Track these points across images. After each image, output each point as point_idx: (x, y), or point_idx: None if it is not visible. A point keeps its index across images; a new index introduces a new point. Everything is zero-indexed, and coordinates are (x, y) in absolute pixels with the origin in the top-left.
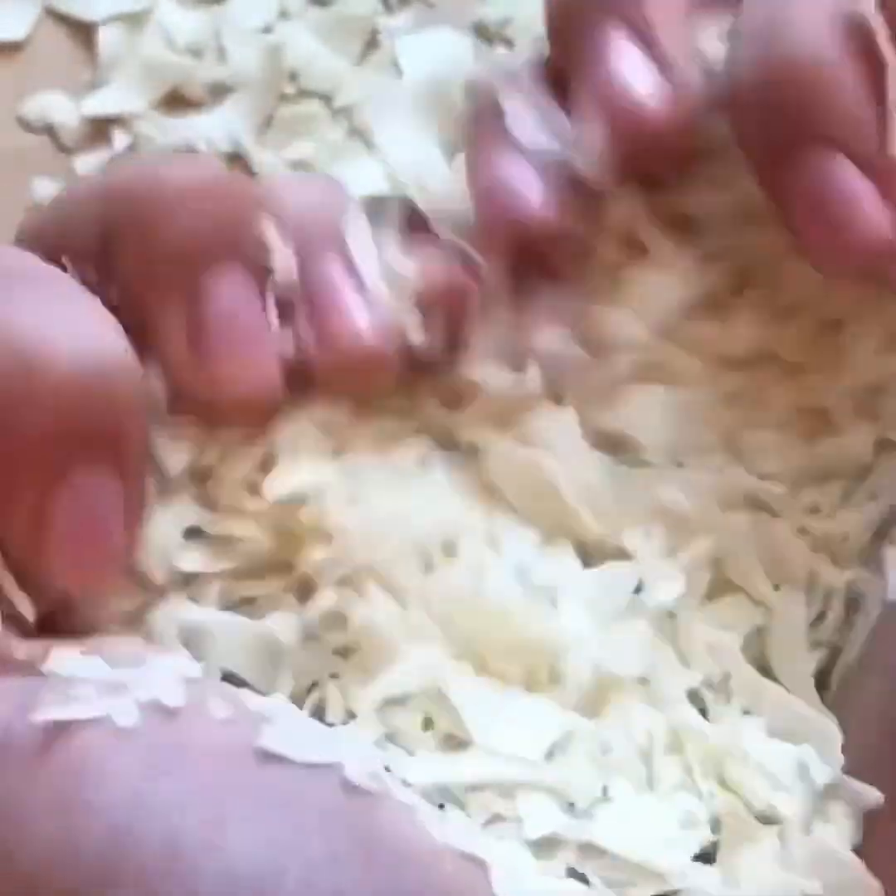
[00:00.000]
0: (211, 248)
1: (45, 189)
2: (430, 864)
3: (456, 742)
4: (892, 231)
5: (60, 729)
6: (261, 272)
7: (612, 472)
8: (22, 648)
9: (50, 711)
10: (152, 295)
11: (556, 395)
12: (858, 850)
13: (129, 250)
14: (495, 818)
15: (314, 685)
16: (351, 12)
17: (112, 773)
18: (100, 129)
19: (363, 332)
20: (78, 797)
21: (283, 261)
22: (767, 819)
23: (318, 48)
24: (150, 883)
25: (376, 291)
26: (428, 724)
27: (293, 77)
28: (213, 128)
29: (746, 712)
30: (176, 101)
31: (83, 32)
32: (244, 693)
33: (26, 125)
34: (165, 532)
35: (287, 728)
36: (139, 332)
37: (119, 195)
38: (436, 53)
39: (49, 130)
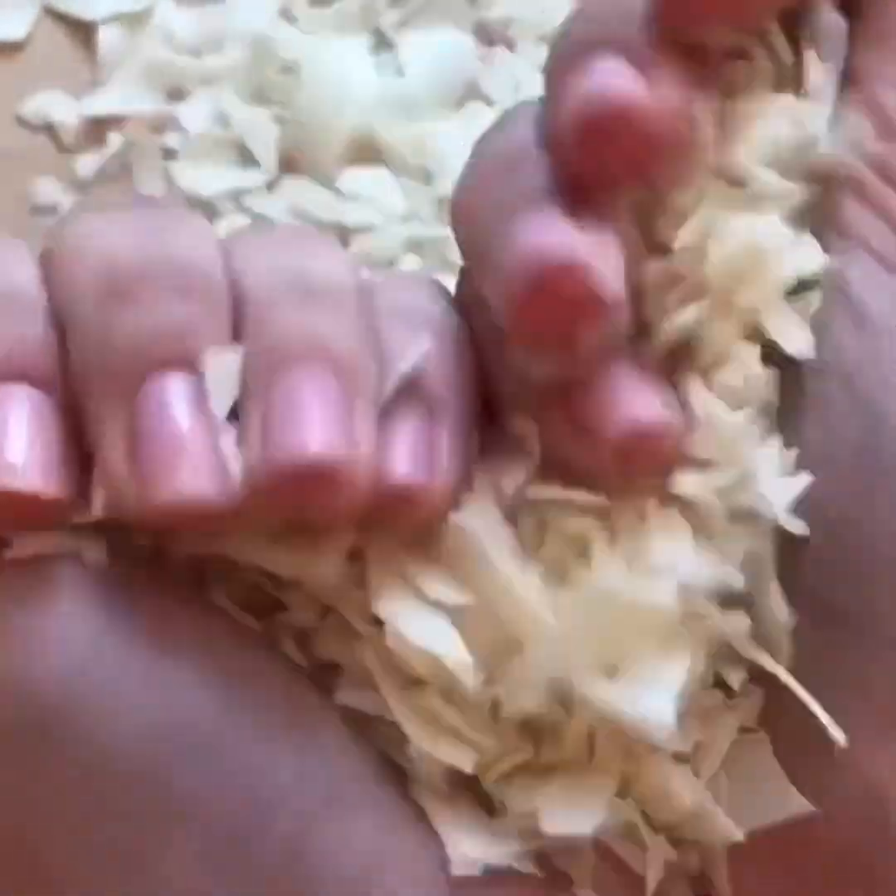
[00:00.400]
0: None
1: (45, 189)
2: (359, 759)
3: None
4: None
5: (30, 561)
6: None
7: None
8: None
9: (23, 547)
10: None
11: None
12: None
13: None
14: None
15: None
16: (352, 11)
17: (70, 618)
18: (100, 128)
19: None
20: (36, 638)
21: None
22: None
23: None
24: (90, 734)
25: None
26: None
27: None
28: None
29: None
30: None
31: (83, 32)
32: None
33: (26, 125)
34: None
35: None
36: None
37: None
38: (437, 52)
39: (49, 130)
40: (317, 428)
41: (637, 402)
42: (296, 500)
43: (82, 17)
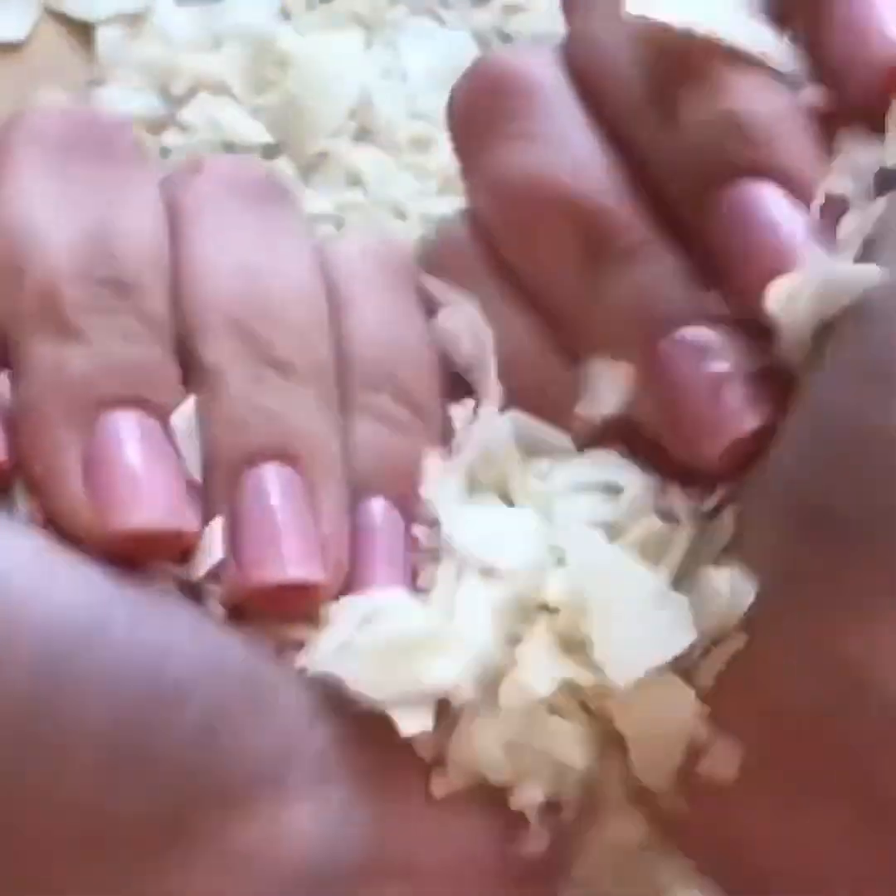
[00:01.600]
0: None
1: None
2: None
3: None
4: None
5: None
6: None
7: None
8: None
9: None
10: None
11: None
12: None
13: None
14: None
15: None
16: (351, 11)
17: None
18: None
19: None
20: None
21: None
22: None
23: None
24: None
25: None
26: None
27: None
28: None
29: None
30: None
31: (83, 32)
32: None
33: None
34: None
35: None
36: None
37: None
38: (437, 49)
39: None
40: (293, 546)
41: None
42: (274, 606)
43: (82, 17)
